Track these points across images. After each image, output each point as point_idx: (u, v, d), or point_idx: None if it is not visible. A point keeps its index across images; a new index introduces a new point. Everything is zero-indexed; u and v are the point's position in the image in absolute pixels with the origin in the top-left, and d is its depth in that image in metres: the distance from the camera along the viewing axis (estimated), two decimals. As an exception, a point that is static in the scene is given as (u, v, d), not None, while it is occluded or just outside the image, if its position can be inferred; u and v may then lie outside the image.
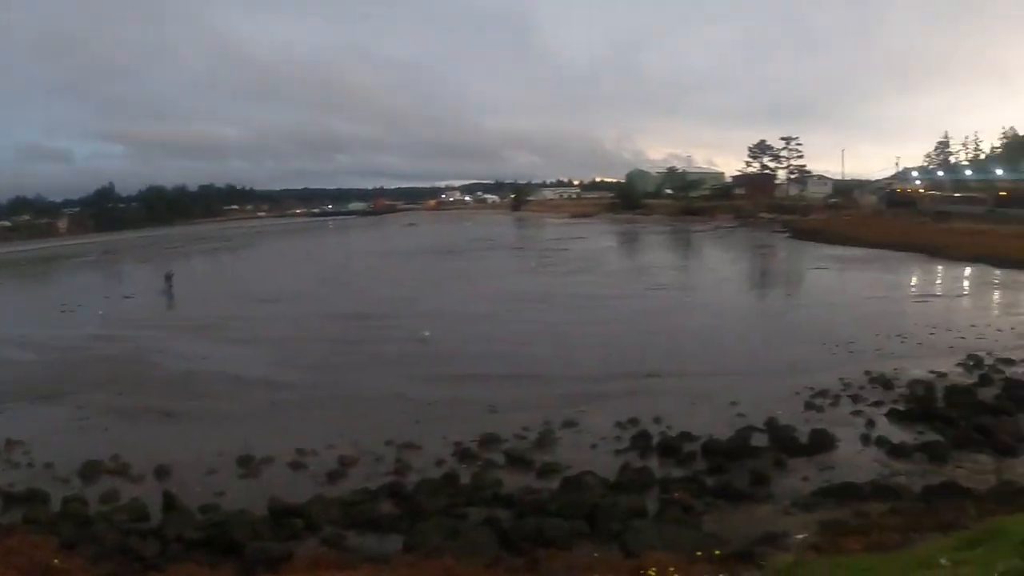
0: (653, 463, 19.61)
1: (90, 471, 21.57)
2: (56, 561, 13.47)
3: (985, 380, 26.34)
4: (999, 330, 34.85)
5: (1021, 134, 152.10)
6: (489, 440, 21.70)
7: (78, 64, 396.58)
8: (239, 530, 15.46)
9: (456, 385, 28.03)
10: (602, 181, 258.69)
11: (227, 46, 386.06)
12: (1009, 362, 28.84)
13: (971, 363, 28.84)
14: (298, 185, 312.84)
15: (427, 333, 35.47)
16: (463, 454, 20.90)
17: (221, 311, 49.15)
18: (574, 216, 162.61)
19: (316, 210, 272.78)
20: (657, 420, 22.64)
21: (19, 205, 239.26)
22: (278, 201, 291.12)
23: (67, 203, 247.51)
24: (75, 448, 23.68)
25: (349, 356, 33.62)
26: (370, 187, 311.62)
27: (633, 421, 22.58)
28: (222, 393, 28.98)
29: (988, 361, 28.94)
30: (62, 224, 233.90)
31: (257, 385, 29.66)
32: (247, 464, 21.00)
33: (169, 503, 17.80)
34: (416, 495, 17.63)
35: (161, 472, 20.94)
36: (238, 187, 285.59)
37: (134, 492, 19.67)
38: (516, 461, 20.17)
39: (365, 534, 16.15)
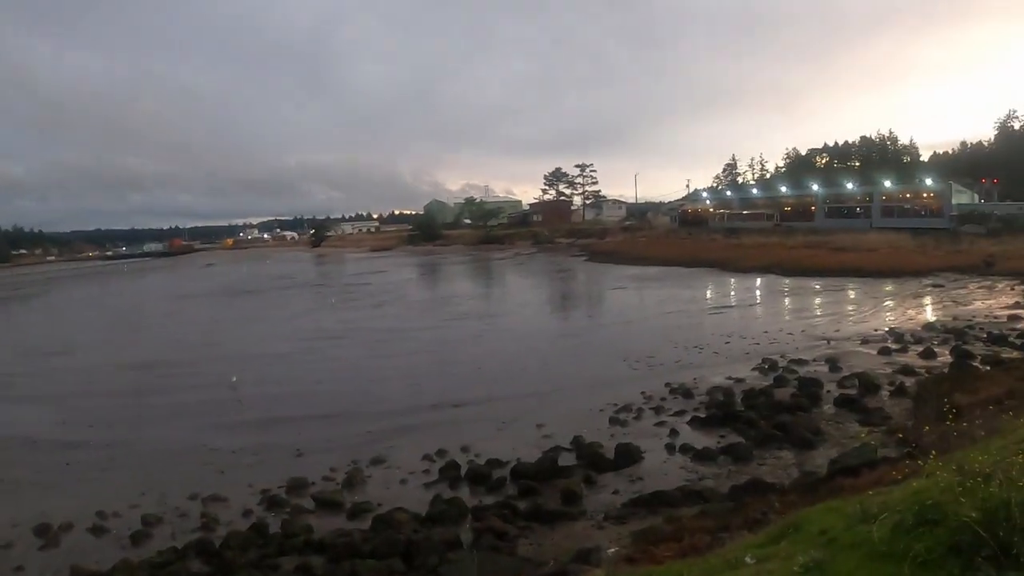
0: (464, 493, 19.66)
1: None
2: None
3: (780, 381, 28.25)
4: (790, 334, 37.34)
5: (803, 154, 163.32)
6: (297, 485, 21.02)
7: None
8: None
9: (260, 430, 26.93)
10: (401, 214, 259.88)
11: (11, 72, 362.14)
12: (801, 362, 31.08)
13: (766, 366, 30.89)
14: (90, 226, 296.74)
15: (235, 378, 33.93)
16: (271, 502, 20.10)
17: (7, 367, 44.97)
18: (374, 250, 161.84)
19: (109, 252, 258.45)
20: (465, 449, 22.78)
21: None
22: (69, 244, 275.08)
23: None
24: None
25: (146, 408, 31.60)
26: (166, 227, 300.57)
27: (441, 452, 22.59)
28: (12, 458, 26.31)
29: (782, 363, 31.10)
30: None
31: (49, 446, 27.29)
32: (45, 533, 19.29)
33: (-40, 586, 16.44)
34: (225, 550, 16.84)
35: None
36: (26, 229, 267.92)
37: None
38: (326, 504, 19.66)
39: (174, 596, 15.40)
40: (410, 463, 22.20)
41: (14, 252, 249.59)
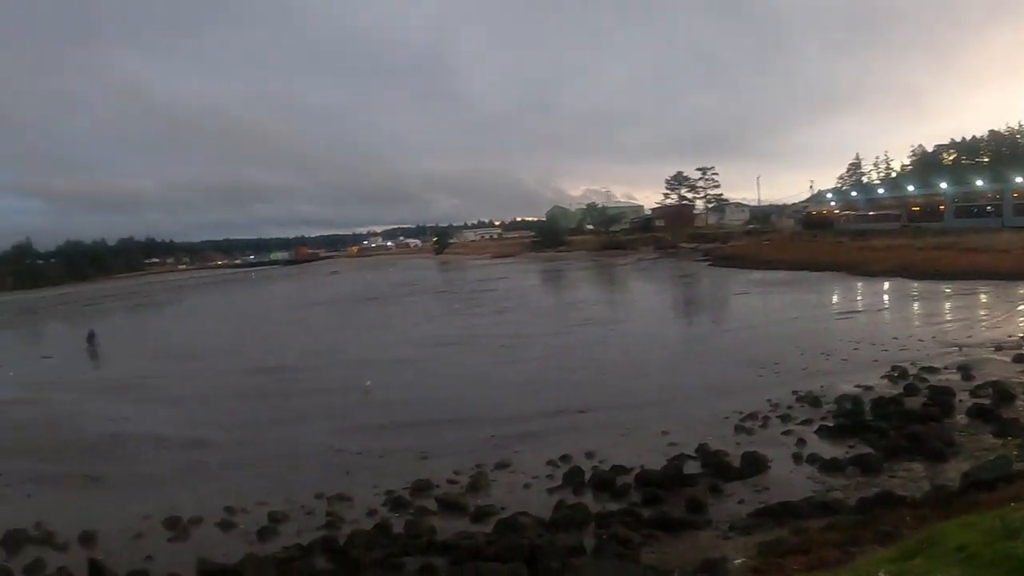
0: (588, 498, 19.67)
1: (14, 541, 20.90)
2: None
3: (911, 389, 27.20)
4: (920, 340, 36.10)
5: (930, 151, 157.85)
6: (421, 487, 21.56)
7: None
8: (167, 596, 15.31)
9: (385, 434, 27.78)
10: (523, 220, 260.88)
11: (139, 97, 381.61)
12: (932, 370, 29.93)
13: (896, 374, 29.81)
14: (219, 236, 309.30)
15: (368, 383, 34.98)
16: (395, 503, 20.72)
17: (143, 370, 48.00)
18: (497, 256, 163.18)
19: (238, 261, 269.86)
20: (589, 455, 22.84)
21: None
22: (199, 253, 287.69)
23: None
24: (-4, 517, 23.25)
25: (274, 411, 33.09)
26: (291, 236, 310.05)
27: (565, 458, 22.69)
28: (146, 455, 28.29)
29: (912, 371, 29.97)
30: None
31: (182, 445, 29.03)
32: (175, 526, 20.56)
33: (95, 571, 17.47)
34: (349, 548, 17.50)
35: (86, 538, 20.45)
36: (158, 240, 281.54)
37: (60, 561, 19.15)
38: (449, 506, 20.08)
39: (296, 591, 16.10)
40: (534, 468, 22.43)
41: (147, 261, 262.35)
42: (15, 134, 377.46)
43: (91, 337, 63.37)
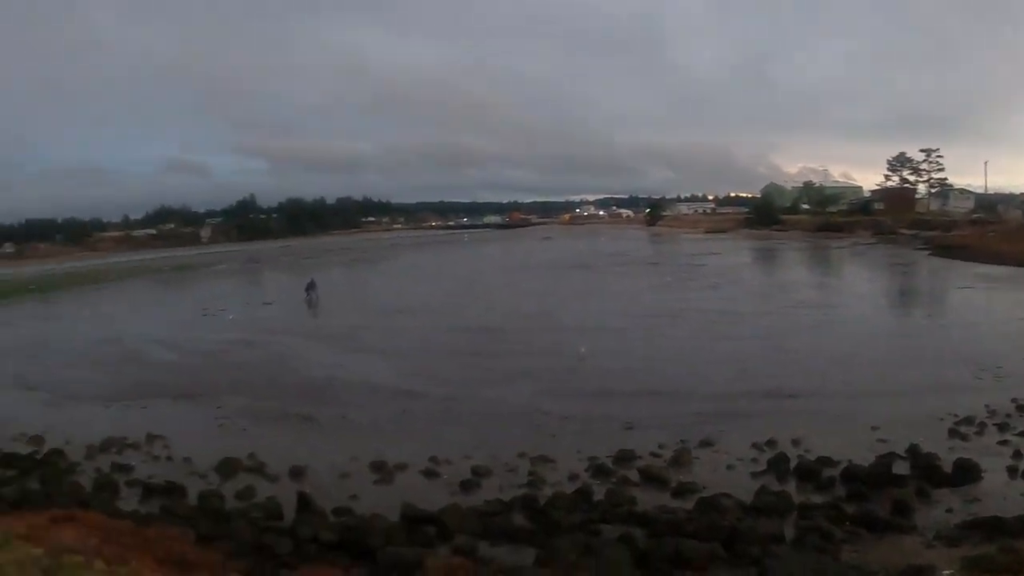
0: (791, 487, 18.88)
1: (227, 468, 22.49)
2: (191, 554, 13.87)
3: None
4: None
5: None
6: (624, 457, 21.38)
7: (211, 84, 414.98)
8: (373, 535, 15.69)
9: (591, 400, 27.74)
10: (736, 196, 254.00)
11: (356, 64, 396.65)
12: None
13: None
14: (433, 198, 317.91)
15: (583, 350, 34.94)
16: (597, 470, 20.65)
17: (357, 321, 50.55)
18: (710, 231, 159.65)
19: (451, 223, 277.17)
20: (795, 442, 21.85)
21: (164, 214, 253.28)
22: (414, 214, 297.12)
23: (210, 213, 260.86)
24: (213, 445, 24.80)
25: (484, 369, 33.79)
26: (504, 201, 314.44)
27: (771, 443, 21.83)
28: (357, 401, 29.70)
29: None
30: (205, 233, 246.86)
31: (392, 394, 30.19)
32: (381, 470, 21.41)
33: (303, 503, 18.31)
34: (550, 509, 17.53)
35: (296, 473, 21.67)
36: (375, 199, 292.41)
37: (269, 491, 20.38)
38: (651, 479, 19.78)
39: (498, 545, 16.15)
40: (738, 449, 21.70)
41: (363, 220, 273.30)
42: (241, 101, 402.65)
43: (310, 288, 66.47)
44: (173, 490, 20.75)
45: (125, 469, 23.29)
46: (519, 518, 17.54)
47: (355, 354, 39.48)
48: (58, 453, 25.29)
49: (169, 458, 24.24)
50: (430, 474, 21.07)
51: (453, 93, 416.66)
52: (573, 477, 20.23)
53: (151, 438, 26.23)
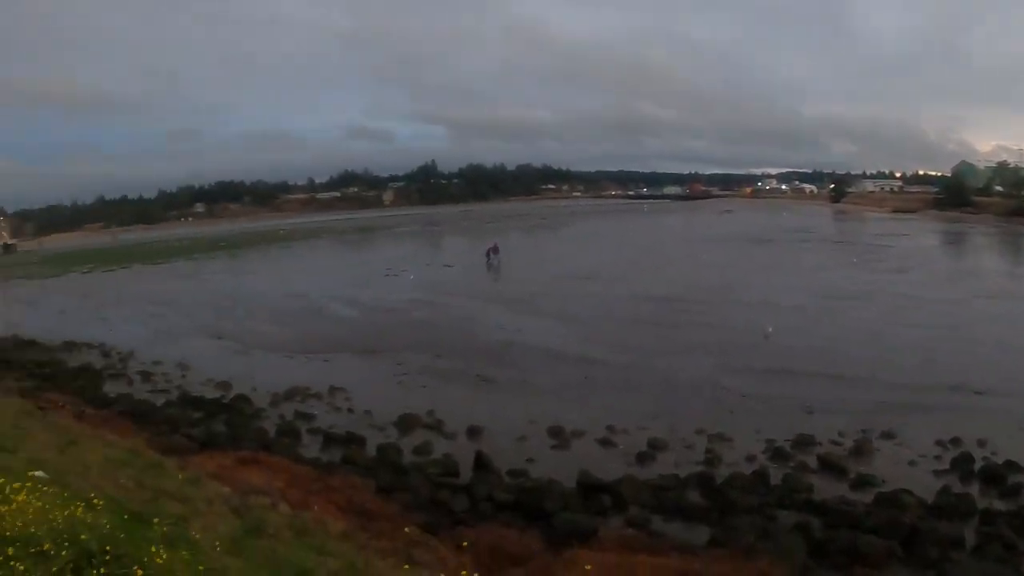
0: (974, 490, 17.51)
1: (406, 423, 23.11)
2: (371, 503, 14.13)
3: None
4: None
5: None
6: (803, 442, 20.56)
7: (392, 53, 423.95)
8: (548, 498, 15.64)
9: (771, 379, 26.77)
10: (925, 174, 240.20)
11: (533, 33, 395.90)
12: None
13: None
14: (612, 167, 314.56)
15: (770, 329, 33.61)
16: (775, 453, 19.92)
17: (536, 286, 50.79)
18: (897, 211, 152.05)
19: (631, 192, 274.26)
20: (981, 443, 20.18)
21: (348, 178, 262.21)
22: (593, 182, 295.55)
23: (392, 178, 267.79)
24: (392, 400, 25.58)
25: (662, 340, 33.20)
26: (684, 172, 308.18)
27: (955, 441, 20.30)
28: (535, 365, 29.82)
29: None
30: (387, 196, 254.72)
31: (570, 360, 30.16)
32: (557, 435, 21.39)
33: (480, 463, 18.49)
34: (726, 489, 17.01)
35: (473, 432, 22.00)
36: (554, 167, 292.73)
37: (446, 448, 20.83)
38: (830, 467, 18.95)
39: (671, 520, 15.90)
40: (921, 445, 20.32)
41: (543, 187, 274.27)
42: (420, 69, 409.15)
43: (490, 251, 66.99)
44: (353, 440, 21.51)
45: (307, 418, 24.38)
46: (694, 495, 17.17)
47: (535, 318, 39.62)
48: (244, 399, 26.66)
49: (350, 410, 25.11)
50: (606, 443, 20.88)
51: (634, 61, 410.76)
52: (750, 458, 19.58)
53: (333, 390, 27.24)
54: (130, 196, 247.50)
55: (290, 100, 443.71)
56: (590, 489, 16.70)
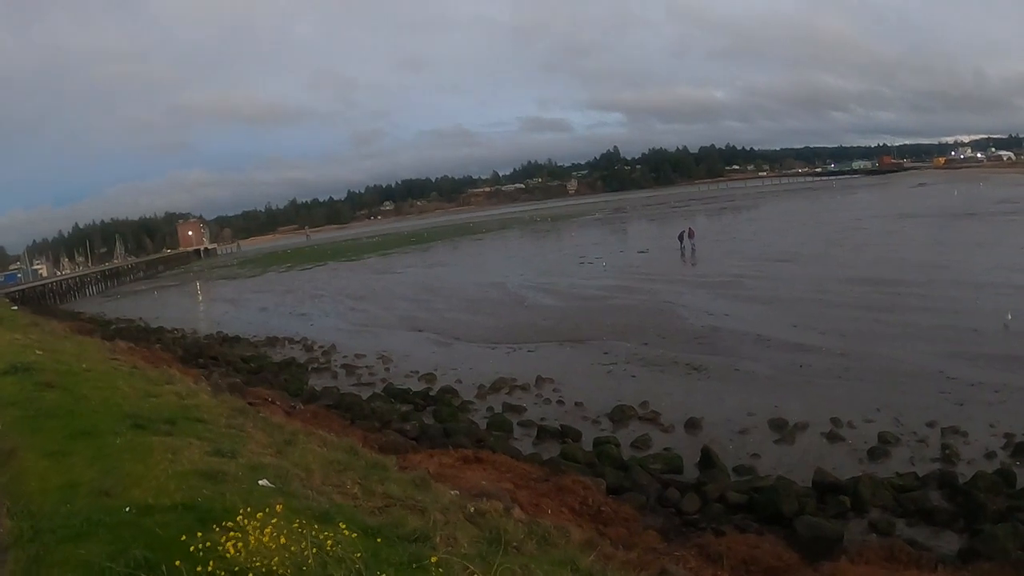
0: None
1: (620, 415, 22.41)
2: (605, 506, 13.47)
3: None
4: None
5: None
6: (1048, 437, 18.44)
7: (555, 44, 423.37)
8: (784, 500, 14.55)
9: (1001, 366, 24.11)
10: None
11: (699, 11, 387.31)
12: None
13: None
14: (797, 144, 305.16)
15: (1010, 316, 29.80)
16: (1016, 449, 17.72)
17: (735, 269, 49.21)
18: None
19: (818, 169, 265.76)
20: None
21: (531, 169, 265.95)
22: (778, 160, 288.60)
23: (575, 167, 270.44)
24: (602, 391, 24.98)
25: (877, 324, 30.95)
26: (872, 144, 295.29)
27: None
28: (747, 351, 28.52)
29: None
30: (571, 185, 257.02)
31: (782, 347, 28.68)
32: (780, 429, 20.19)
33: (707, 459, 17.58)
34: (971, 490, 15.23)
35: (691, 425, 21.05)
36: (737, 147, 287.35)
37: (665, 442, 19.99)
38: (1082, 469, 16.88)
39: (915, 525, 14.50)
40: None
41: (727, 168, 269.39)
42: (588, 56, 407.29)
43: (684, 235, 65.59)
44: (568, 434, 20.95)
45: (517, 410, 24.06)
46: (936, 496, 15.54)
47: (738, 302, 38.23)
48: (450, 391, 26.69)
49: (560, 402, 24.62)
50: (833, 437, 19.43)
51: (809, 31, 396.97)
52: (990, 455, 17.60)
53: (540, 380, 26.87)
54: (320, 199, 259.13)
55: (464, 98, 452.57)
56: (827, 489, 15.48)
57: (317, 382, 30.28)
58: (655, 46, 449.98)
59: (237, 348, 39.66)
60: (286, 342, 39.51)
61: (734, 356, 28.01)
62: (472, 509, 9.85)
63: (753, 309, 36.19)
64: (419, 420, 22.79)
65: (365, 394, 27.31)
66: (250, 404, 20.07)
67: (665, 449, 19.09)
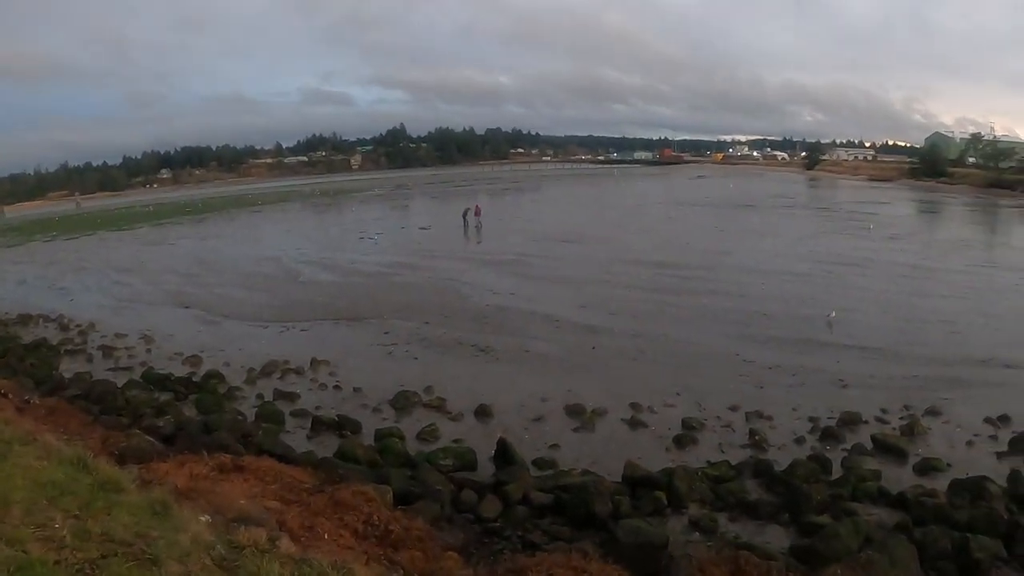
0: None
1: (403, 402, 20.39)
2: (394, 523, 11.16)
3: None
4: None
5: None
6: (849, 420, 18.11)
7: (340, 15, 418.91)
8: (596, 499, 12.84)
9: (794, 350, 24.34)
10: (895, 144, 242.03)
11: None
12: None
13: None
14: (581, 132, 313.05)
15: (832, 313, 29.17)
16: (824, 433, 17.45)
17: (521, 248, 48.18)
18: (873, 179, 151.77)
19: (600, 157, 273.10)
20: (1030, 421, 18.08)
21: (316, 142, 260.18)
22: (562, 147, 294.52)
23: (360, 142, 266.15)
24: (384, 375, 22.95)
25: (667, 307, 30.67)
26: (654, 137, 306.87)
27: (1004, 419, 17.96)
28: (536, 332, 27.23)
29: None
30: (355, 160, 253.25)
31: (572, 328, 27.62)
32: (579, 415, 18.81)
33: (503, 453, 15.76)
34: (790, 479, 14.39)
35: (481, 412, 19.35)
36: (523, 131, 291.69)
37: (454, 432, 18.18)
38: (887, 450, 16.42)
39: (738, 520, 13.44)
40: (970, 423, 17.96)
41: (512, 151, 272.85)
42: (374, 29, 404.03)
43: (468, 212, 64.38)
44: (346, 425, 18.62)
45: (289, 397, 21.44)
46: (753, 486, 14.65)
47: (526, 281, 37.04)
48: (216, 376, 23.55)
49: (337, 387, 22.25)
50: (635, 423, 18.33)
51: (593, 24, 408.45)
52: (799, 440, 17.24)
53: (315, 363, 24.35)
54: (95, 163, 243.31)
55: (247, 65, 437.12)
56: (639, 483, 14.04)
57: (70, 367, 26.08)
58: (442, 26, 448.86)
59: (-19, 328, 34.71)
60: (40, 320, 34.77)
61: (523, 336, 26.63)
62: (222, 550, 7.41)
63: (540, 288, 35.08)
64: (177, 412, 19.55)
65: (122, 380, 23.34)
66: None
67: (455, 441, 17.13)
